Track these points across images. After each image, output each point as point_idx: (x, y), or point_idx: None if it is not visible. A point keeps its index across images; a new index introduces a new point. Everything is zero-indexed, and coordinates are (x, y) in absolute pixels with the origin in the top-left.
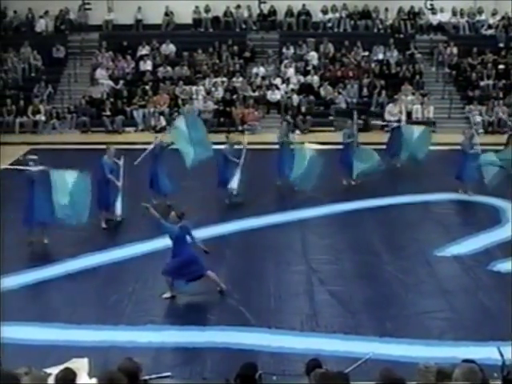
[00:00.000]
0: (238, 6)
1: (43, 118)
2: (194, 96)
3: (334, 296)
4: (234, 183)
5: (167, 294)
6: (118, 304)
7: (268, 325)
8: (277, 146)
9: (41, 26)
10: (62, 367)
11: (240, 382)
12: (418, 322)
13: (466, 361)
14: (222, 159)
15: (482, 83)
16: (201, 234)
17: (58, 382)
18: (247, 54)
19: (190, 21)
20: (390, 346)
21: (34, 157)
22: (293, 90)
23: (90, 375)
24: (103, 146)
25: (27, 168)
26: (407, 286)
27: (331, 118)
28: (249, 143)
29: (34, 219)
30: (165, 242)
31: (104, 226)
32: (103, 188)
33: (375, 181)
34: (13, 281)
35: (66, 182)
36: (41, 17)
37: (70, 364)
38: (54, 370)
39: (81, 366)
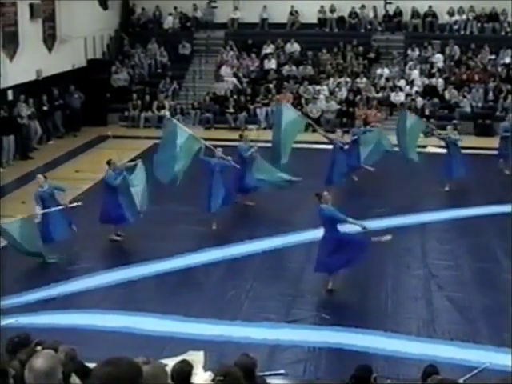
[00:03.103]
0: (363, 7)
1: (168, 114)
2: (317, 95)
3: (453, 302)
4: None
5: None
6: (236, 300)
7: (384, 328)
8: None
9: (168, 23)
10: (178, 359)
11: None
12: None
13: None
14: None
15: None
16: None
17: (175, 374)
18: (372, 55)
19: (314, 20)
20: (507, 357)
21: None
22: (417, 92)
23: (205, 368)
24: (226, 143)
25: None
26: None
27: (455, 121)
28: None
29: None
30: (283, 240)
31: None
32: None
33: (498, 186)
34: (135, 272)
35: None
36: (170, 14)
37: (186, 356)
38: (171, 362)
39: (197, 358)
